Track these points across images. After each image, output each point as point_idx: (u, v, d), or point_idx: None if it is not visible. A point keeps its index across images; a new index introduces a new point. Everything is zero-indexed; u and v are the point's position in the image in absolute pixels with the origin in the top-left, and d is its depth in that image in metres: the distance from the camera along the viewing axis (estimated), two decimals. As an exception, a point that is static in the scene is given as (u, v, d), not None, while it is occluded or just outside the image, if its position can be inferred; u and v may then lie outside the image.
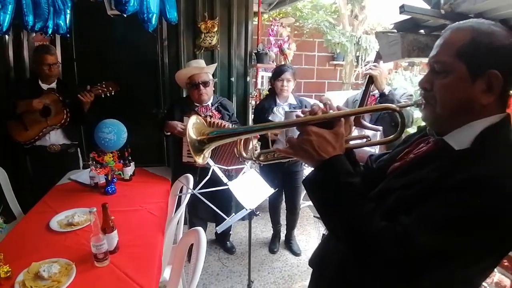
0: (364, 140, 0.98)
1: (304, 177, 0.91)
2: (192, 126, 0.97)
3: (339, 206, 0.83)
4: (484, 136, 0.78)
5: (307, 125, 0.89)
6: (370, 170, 1.08)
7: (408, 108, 2.42)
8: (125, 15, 2.25)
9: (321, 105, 0.94)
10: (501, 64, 0.77)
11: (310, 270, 1.16)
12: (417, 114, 3.80)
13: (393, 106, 0.90)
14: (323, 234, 1.37)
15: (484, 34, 0.78)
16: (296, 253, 3.26)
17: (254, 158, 1.08)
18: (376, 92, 2.52)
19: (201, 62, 2.92)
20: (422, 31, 1.80)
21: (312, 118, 0.90)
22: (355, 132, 2.51)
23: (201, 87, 2.72)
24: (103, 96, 2.75)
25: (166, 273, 1.98)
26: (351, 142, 1.01)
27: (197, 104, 2.82)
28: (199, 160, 0.97)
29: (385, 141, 0.98)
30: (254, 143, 2.81)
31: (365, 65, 2.66)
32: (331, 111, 0.93)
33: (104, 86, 2.74)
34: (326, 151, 0.86)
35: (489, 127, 0.79)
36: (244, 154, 1.10)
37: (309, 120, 0.90)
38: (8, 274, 1.48)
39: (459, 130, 0.82)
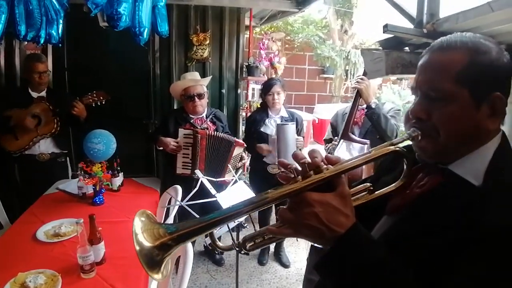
0: (366, 192, 0.79)
1: (315, 261, 0.71)
2: (141, 230, 0.70)
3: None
4: (496, 164, 0.72)
5: (303, 194, 0.68)
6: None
7: (393, 121, 2.49)
8: (116, 30, 2.28)
9: (309, 159, 0.72)
10: (503, 85, 0.71)
11: (299, 282, 1.12)
12: (402, 127, 3.88)
13: (397, 149, 0.76)
14: (312, 245, 1.27)
15: (482, 53, 0.70)
16: (285, 265, 3.24)
17: (236, 248, 0.81)
18: (365, 105, 2.58)
19: (196, 75, 2.97)
20: (406, 48, 1.86)
21: (308, 182, 0.69)
22: (343, 145, 2.59)
23: (196, 99, 2.77)
24: (93, 105, 2.75)
25: (153, 285, 1.96)
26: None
27: (192, 116, 2.85)
28: (158, 277, 0.67)
29: (389, 191, 0.79)
30: (240, 152, 2.83)
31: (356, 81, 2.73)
32: (324, 166, 0.71)
33: (94, 95, 2.75)
34: (338, 223, 0.67)
35: (498, 151, 0.73)
36: (221, 245, 0.86)
37: (304, 186, 0.68)
38: (-6, 285, 1.46)
39: (467, 158, 0.74)
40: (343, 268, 0.67)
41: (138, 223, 0.71)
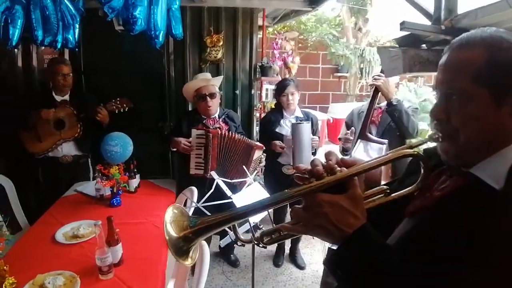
0: (382, 195, 0.79)
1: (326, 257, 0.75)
2: (170, 220, 0.74)
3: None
4: None
5: (314, 194, 0.71)
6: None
7: (413, 118, 2.43)
8: (132, 34, 2.30)
9: (323, 161, 0.75)
10: None
11: (315, 284, 1.12)
12: (422, 125, 3.78)
13: (414, 152, 0.75)
14: (329, 248, 1.25)
15: (502, 50, 0.68)
16: (300, 267, 3.22)
17: (255, 242, 0.86)
18: (383, 104, 2.52)
19: (207, 75, 2.99)
20: (423, 45, 1.82)
21: (320, 184, 0.71)
22: (360, 145, 2.54)
23: (208, 98, 2.77)
24: (116, 112, 2.81)
25: (170, 286, 1.97)
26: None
27: (205, 117, 2.86)
28: (187, 262, 0.74)
29: (404, 194, 0.79)
30: (259, 155, 2.82)
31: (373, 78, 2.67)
32: (338, 168, 0.73)
33: (118, 102, 2.81)
34: (347, 224, 0.69)
35: None
36: (242, 238, 0.91)
37: (316, 187, 0.71)
38: (14, 286, 1.48)
39: (489, 161, 0.70)
40: (346, 266, 0.70)
41: (169, 213, 0.75)
